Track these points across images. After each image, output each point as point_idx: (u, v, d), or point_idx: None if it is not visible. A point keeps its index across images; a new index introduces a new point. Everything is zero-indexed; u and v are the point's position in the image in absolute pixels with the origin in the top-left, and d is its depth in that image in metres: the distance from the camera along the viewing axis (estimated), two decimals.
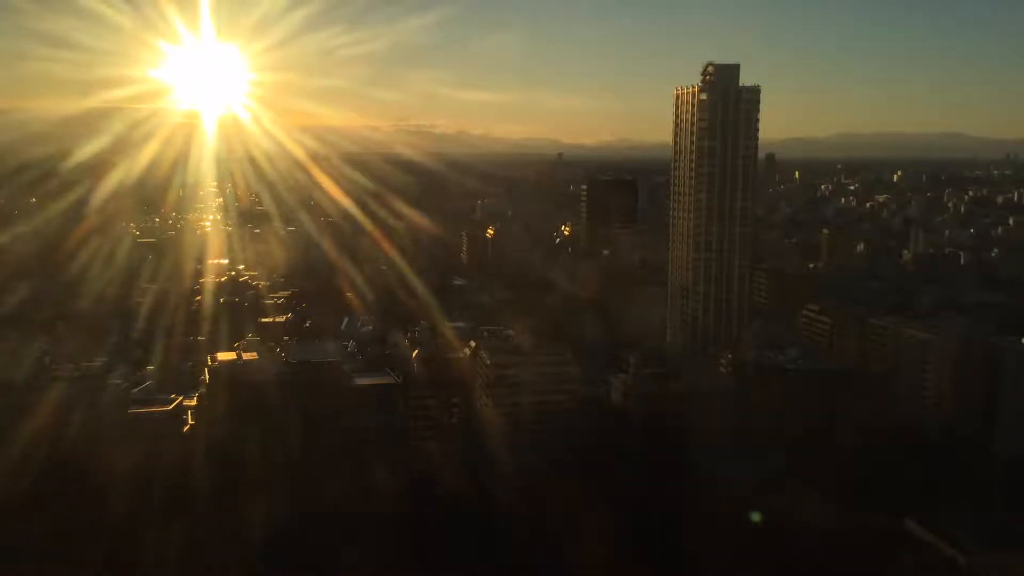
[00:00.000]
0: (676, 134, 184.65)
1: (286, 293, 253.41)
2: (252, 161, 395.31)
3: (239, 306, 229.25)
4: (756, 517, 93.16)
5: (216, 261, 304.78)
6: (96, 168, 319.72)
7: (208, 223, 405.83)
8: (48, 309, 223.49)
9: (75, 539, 77.49)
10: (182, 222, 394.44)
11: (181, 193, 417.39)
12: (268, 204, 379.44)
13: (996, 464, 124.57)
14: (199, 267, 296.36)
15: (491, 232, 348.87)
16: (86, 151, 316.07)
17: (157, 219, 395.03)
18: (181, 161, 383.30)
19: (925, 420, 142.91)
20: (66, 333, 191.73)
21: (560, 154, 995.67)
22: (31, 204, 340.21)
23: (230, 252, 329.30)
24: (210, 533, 77.30)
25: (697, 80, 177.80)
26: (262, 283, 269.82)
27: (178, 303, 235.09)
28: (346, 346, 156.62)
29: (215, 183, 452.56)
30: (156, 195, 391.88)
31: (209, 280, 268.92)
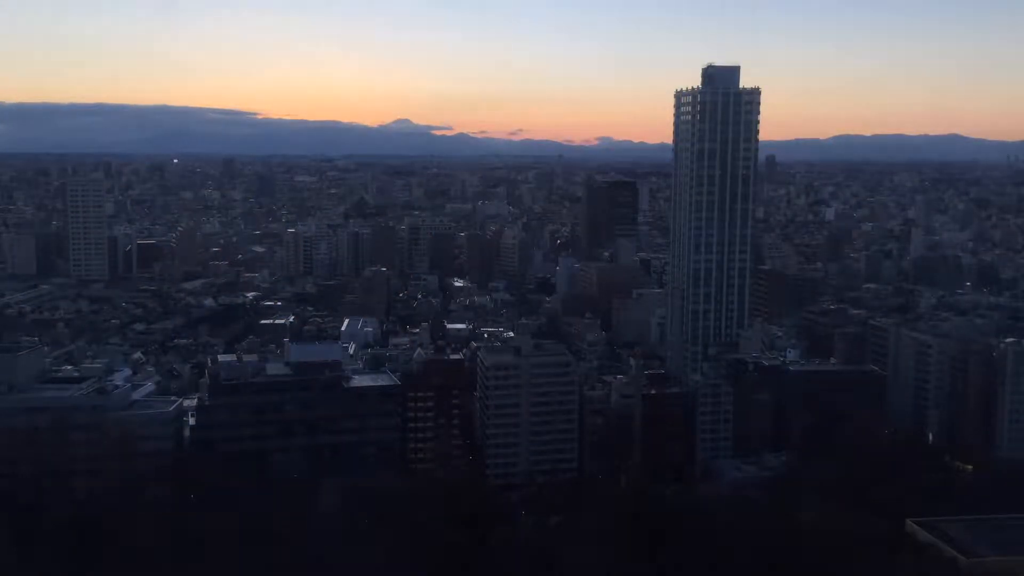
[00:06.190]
0: (676, 135, 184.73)
1: (287, 295, 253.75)
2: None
3: (240, 307, 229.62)
4: None
5: (217, 263, 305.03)
6: None
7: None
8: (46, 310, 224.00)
9: (74, 540, 77.43)
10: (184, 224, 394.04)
11: None
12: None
13: (997, 465, 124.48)
14: (200, 269, 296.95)
15: (491, 233, 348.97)
16: None
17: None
18: None
19: (925, 421, 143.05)
20: (66, 334, 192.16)
21: (560, 155, 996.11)
22: None
23: (232, 254, 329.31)
24: (209, 534, 77.23)
25: (697, 81, 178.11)
26: (264, 284, 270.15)
27: (179, 305, 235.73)
28: (346, 347, 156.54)
29: None
30: None
31: (210, 282, 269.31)
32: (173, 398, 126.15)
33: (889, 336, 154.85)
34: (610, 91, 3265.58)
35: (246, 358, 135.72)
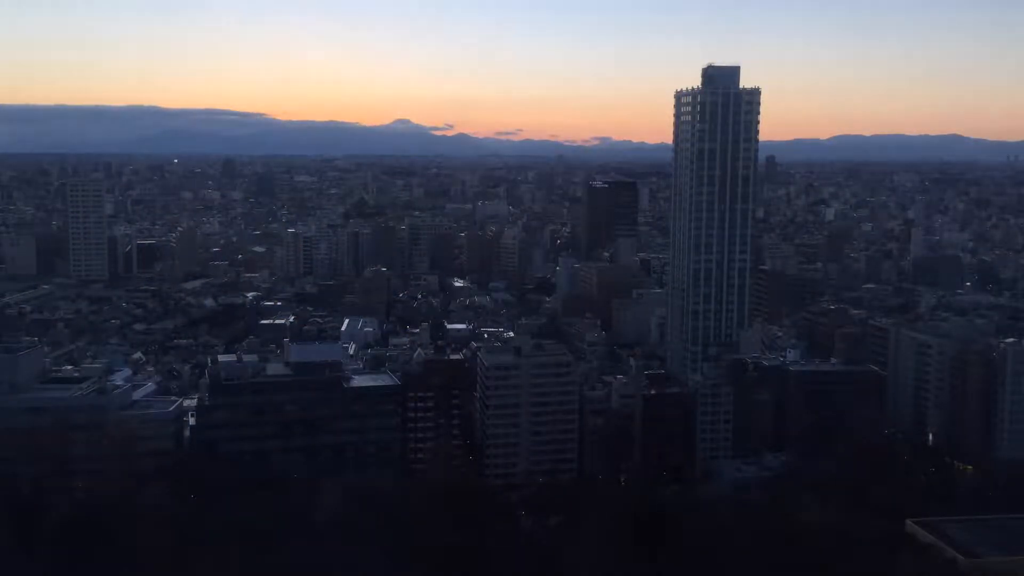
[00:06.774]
0: (676, 136, 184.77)
1: (287, 295, 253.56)
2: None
3: (240, 307, 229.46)
4: None
5: (217, 263, 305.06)
6: None
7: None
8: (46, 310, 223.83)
9: (74, 540, 77.39)
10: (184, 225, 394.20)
11: None
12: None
13: (996, 465, 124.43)
14: (200, 269, 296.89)
15: (491, 233, 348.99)
16: None
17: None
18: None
19: (925, 421, 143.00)
20: (66, 334, 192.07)
21: (560, 155, 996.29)
22: None
23: (232, 254, 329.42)
24: (209, 535, 77.22)
25: (697, 81, 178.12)
26: (264, 284, 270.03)
27: (179, 305, 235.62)
28: (346, 347, 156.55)
29: None
30: None
31: (210, 282, 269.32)
32: (173, 398, 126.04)
33: (889, 336, 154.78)
34: (610, 91, 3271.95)
35: (246, 358, 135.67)
